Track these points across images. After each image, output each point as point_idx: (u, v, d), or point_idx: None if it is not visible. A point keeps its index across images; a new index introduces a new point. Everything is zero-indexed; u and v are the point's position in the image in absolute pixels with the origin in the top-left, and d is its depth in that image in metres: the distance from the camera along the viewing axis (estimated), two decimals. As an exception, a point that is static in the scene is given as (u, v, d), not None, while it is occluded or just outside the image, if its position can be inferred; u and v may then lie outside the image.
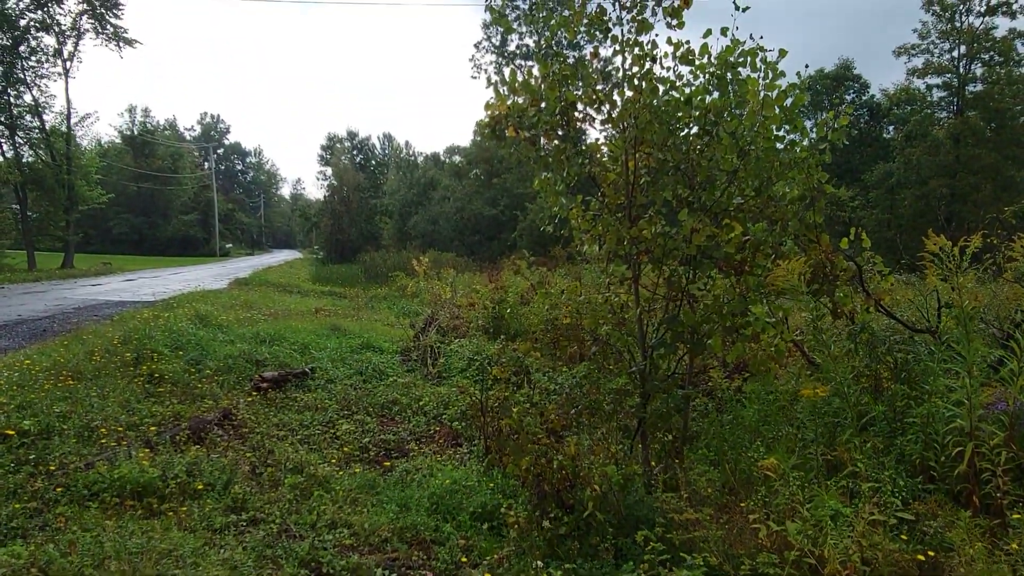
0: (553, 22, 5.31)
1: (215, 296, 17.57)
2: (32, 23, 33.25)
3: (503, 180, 44.46)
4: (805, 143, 5.25)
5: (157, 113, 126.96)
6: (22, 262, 32.02)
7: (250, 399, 7.64)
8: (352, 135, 62.19)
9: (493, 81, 5.41)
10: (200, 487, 4.99)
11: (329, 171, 57.25)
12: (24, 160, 34.10)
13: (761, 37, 4.98)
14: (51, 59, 34.42)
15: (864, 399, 5.41)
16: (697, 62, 5.00)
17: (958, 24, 35.54)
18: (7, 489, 4.57)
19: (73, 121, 36.31)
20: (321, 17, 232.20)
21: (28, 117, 34.08)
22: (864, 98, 43.93)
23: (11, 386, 6.72)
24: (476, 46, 59.53)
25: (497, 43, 58.99)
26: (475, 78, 61.02)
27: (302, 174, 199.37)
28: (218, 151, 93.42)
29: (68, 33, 34.96)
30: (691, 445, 5.67)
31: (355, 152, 61.65)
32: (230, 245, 75.38)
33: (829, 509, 3.80)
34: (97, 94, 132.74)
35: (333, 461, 6.00)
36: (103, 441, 5.60)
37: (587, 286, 7.27)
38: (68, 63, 35.13)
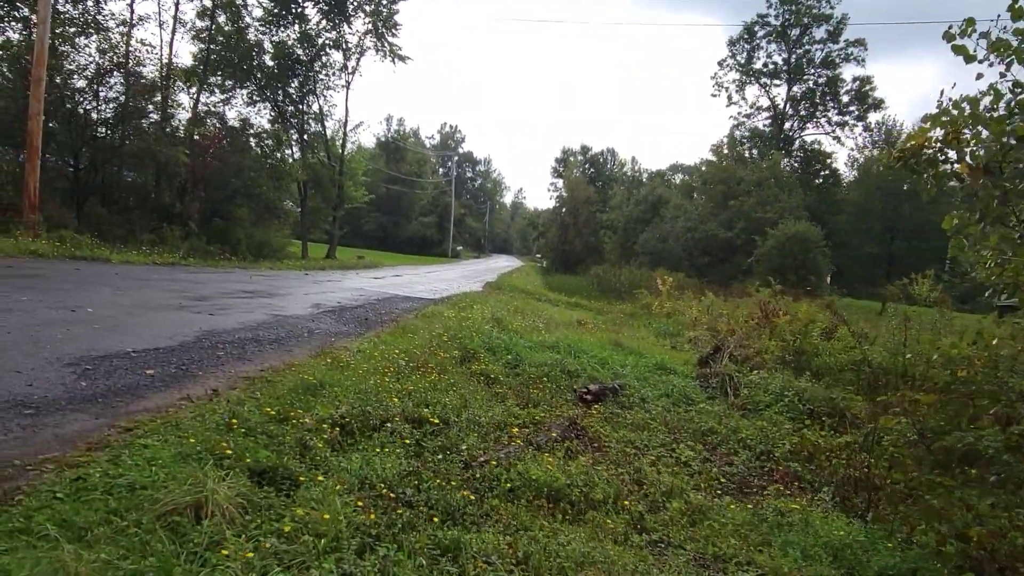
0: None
1: (483, 299, 18.57)
2: (327, 41, 37.86)
3: (740, 203, 42.73)
4: None
5: (408, 122, 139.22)
6: (297, 250, 36.62)
7: (582, 411, 7.84)
8: (585, 149, 63.63)
9: (933, 114, 5.03)
10: (599, 498, 5.13)
11: (561, 183, 58.93)
12: (307, 161, 38.88)
13: None
14: (336, 73, 39.04)
15: None
16: None
17: None
18: (444, 474, 4.97)
19: (348, 128, 40.97)
20: (555, 34, 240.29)
21: (313, 124, 38.89)
22: None
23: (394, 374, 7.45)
24: (720, 64, 58.06)
25: (742, 61, 57.15)
26: (715, 96, 59.65)
27: (524, 184, 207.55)
28: (454, 159, 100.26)
29: (353, 50, 39.35)
30: None
31: (587, 166, 62.89)
32: (460, 247, 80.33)
33: None
34: (364, 104, 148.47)
35: (702, 489, 5.93)
36: (497, 435, 5.99)
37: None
38: (350, 76, 39.62)
